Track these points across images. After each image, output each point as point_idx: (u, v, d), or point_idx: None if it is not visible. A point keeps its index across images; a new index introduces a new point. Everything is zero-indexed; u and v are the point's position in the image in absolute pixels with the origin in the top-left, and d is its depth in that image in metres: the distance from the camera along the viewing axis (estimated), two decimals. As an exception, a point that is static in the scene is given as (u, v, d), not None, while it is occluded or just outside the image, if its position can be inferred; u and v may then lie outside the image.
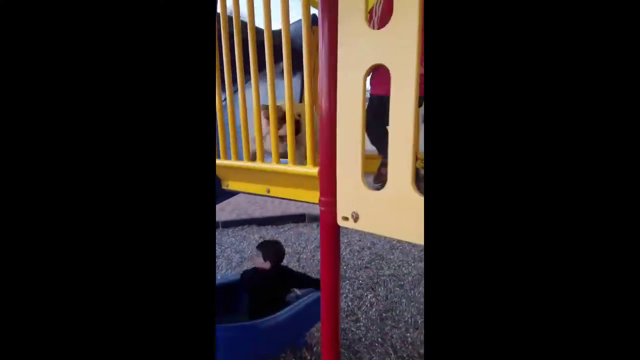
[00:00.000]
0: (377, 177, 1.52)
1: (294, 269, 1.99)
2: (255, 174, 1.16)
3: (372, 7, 1.19)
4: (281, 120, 1.07)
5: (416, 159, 0.69)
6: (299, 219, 4.23)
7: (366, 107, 1.26)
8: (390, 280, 2.70)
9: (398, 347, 1.90)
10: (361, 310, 2.27)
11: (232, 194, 1.48)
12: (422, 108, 0.60)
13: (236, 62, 1.09)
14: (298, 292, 1.77)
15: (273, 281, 1.69)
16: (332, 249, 0.87)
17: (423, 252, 3.18)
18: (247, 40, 1.03)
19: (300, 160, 1.13)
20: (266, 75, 0.99)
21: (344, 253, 3.24)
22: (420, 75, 0.61)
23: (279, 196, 1.14)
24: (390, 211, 0.71)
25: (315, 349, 1.86)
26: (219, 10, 1.11)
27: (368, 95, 1.24)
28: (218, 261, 3.06)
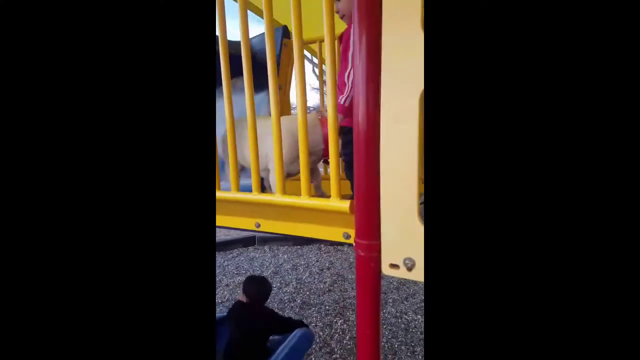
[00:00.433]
0: None
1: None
2: (242, 206, 0.97)
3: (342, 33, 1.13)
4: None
5: None
6: (248, 242, 3.95)
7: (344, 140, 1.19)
8: (349, 304, 2.59)
9: (381, 378, 1.79)
10: (334, 340, 2.12)
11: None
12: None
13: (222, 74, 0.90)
14: (277, 336, 1.56)
15: (252, 318, 1.50)
16: (374, 307, 0.71)
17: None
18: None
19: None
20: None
21: (303, 276, 3.07)
22: None
23: (275, 232, 0.96)
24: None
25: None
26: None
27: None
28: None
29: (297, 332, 1.50)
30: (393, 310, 2.46)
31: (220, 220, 1.01)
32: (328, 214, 0.80)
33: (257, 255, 3.60)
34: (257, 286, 1.59)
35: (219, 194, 0.96)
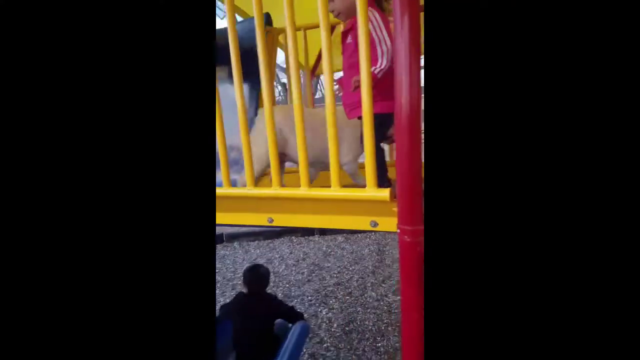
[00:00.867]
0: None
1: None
2: (254, 201, 0.92)
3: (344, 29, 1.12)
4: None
5: None
6: (216, 239, 3.80)
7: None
8: (337, 289, 2.62)
9: (374, 360, 1.84)
10: (322, 329, 2.13)
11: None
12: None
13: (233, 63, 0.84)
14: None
15: (253, 308, 1.49)
16: (421, 290, 0.70)
17: (354, 255, 3.23)
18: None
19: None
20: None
21: (280, 269, 3.04)
22: None
23: (292, 225, 0.92)
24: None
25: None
26: None
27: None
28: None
29: (296, 328, 1.48)
30: (373, 294, 2.53)
31: (230, 217, 0.95)
32: (354, 203, 0.79)
33: (228, 253, 3.49)
34: (254, 275, 1.57)
35: (231, 191, 0.91)
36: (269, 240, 3.73)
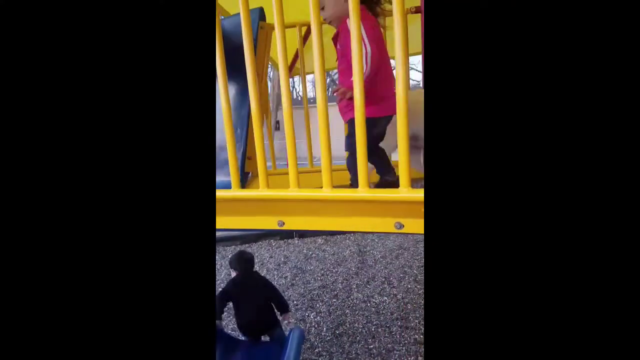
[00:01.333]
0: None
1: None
2: (264, 204, 0.87)
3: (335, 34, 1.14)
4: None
5: None
6: (191, 245, 3.65)
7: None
8: (323, 293, 2.59)
9: (368, 363, 1.82)
10: (312, 334, 2.09)
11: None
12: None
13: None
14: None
15: (250, 285, 1.67)
16: None
17: (335, 257, 3.22)
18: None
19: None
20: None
21: (261, 274, 2.95)
22: None
23: (304, 228, 0.88)
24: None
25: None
26: None
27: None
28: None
29: (294, 334, 1.43)
30: (360, 295, 2.52)
31: (238, 222, 0.89)
32: (378, 205, 0.76)
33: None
34: (242, 259, 1.74)
35: (241, 193, 0.85)
36: (247, 245, 3.63)
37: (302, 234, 3.71)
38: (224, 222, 0.93)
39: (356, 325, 2.15)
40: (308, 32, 1.70)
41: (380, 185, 1.16)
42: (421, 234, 0.62)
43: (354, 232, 3.63)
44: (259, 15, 1.33)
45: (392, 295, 2.51)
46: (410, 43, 1.56)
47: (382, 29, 1.17)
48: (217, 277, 2.85)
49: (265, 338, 1.66)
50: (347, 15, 0.67)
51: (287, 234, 3.70)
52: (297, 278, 2.85)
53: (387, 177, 1.17)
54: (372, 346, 1.94)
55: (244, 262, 1.74)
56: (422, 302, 2.40)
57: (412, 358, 1.83)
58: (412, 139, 0.76)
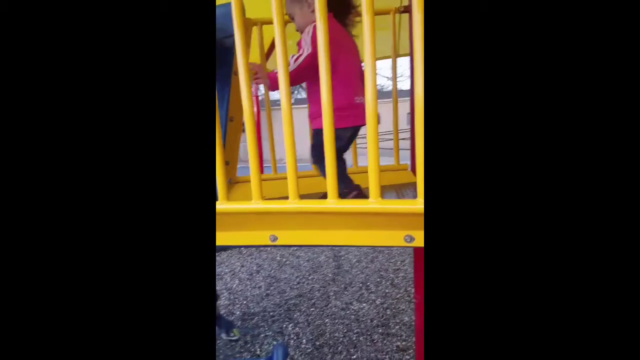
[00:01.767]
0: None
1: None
2: (254, 217, 0.77)
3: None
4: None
5: None
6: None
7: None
8: (300, 302, 2.49)
9: (352, 375, 1.75)
10: (292, 347, 1.99)
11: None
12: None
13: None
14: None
15: None
16: None
17: (311, 263, 3.14)
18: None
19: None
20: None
21: (233, 285, 2.81)
22: None
23: (298, 244, 0.79)
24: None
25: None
26: None
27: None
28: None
29: (278, 351, 1.33)
30: (338, 302, 2.45)
31: (227, 237, 0.79)
32: (386, 217, 0.69)
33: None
34: None
35: (232, 206, 0.75)
36: (216, 254, 3.45)
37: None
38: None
39: (337, 334, 2.08)
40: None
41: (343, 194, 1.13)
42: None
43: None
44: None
45: (370, 301, 2.46)
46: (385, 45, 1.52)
47: (351, 37, 1.17)
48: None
49: None
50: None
51: (259, 241, 3.57)
52: (272, 287, 2.74)
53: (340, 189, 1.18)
54: (354, 356, 1.88)
55: None
56: (401, 307, 2.38)
57: (397, 367, 1.79)
58: None
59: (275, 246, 0.83)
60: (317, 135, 1.16)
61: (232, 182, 1.31)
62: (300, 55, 1.03)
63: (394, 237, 0.70)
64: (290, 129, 0.70)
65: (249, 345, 2.00)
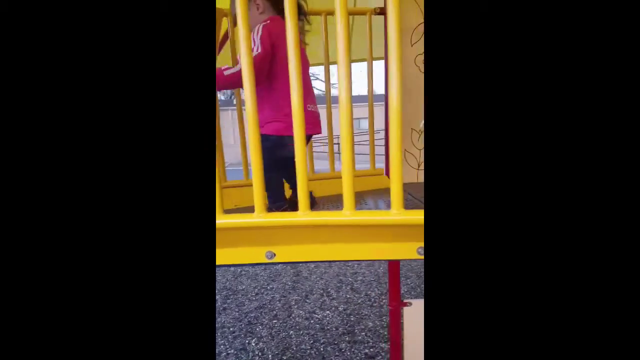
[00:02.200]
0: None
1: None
2: (250, 232, 0.68)
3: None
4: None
5: None
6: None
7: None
8: (261, 314, 2.37)
9: (323, 388, 1.69)
10: (256, 365, 1.87)
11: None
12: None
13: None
14: None
15: None
16: None
17: (268, 272, 3.02)
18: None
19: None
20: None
21: (185, 300, 2.58)
22: None
23: (301, 260, 0.72)
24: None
25: None
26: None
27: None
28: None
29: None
30: (301, 312, 2.38)
31: (221, 256, 0.68)
32: (398, 228, 0.65)
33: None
34: None
35: (233, 221, 0.65)
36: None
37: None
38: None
39: (303, 346, 2.00)
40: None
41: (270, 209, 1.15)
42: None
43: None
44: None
45: (333, 308, 2.42)
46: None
47: (302, 44, 1.20)
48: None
49: None
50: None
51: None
52: (229, 300, 2.57)
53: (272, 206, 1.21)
54: (324, 368, 1.82)
55: None
56: (364, 312, 2.37)
57: (368, 375, 1.76)
58: None
59: (273, 264, 0.74)
60: (266, 142, 1.12)
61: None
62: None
63: (406, 250, 0.66)
64: (256, 132, 0.64)
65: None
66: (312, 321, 2.27)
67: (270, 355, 1.93)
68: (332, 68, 1.43)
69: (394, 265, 1.41)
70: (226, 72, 0.99)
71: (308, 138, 1.17)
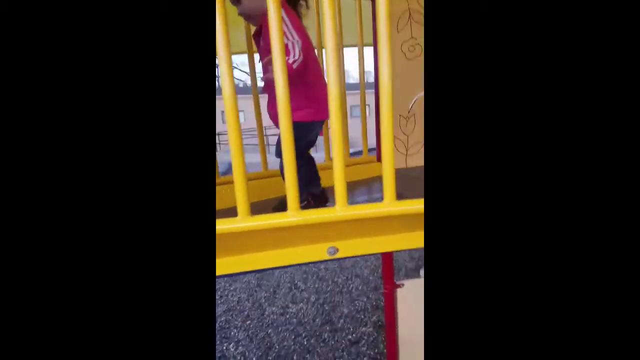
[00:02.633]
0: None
1: None
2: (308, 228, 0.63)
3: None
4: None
5: None
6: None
7: None
8: (232, 317, 2.25)
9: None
10: (241, 370, 1.77)
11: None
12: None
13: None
14: None
15: None
16: None
17: (230, 279, 2.87)
18: None
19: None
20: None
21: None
22: None
23: (366, 253, 0.68)
24: None
25: None
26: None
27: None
28: None
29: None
30: (274, 308, 2.31)
31: (272, 258, 0.61)
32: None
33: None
34: None
35: (280, 220, 0.58)
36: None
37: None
38: (242, 262, 0.64)
39: (285, 343, 1.95)
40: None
41: (304, 198, 1.08)
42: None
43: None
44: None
45: (305, 300, 2.40)
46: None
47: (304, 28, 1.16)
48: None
49: None
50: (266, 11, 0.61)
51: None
52: (192, 307, 2.39)
53: (311, 188, 1.12)
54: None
55: None
56: (336, 299, 2.40)
57: (357, 360, 1.79)
58: None
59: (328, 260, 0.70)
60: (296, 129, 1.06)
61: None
62: (294, 48, 0.94)
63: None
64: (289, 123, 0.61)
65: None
66: (287, 316, 2.22)
67: (254, 358, 1.85)
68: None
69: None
70: (295, 66, 0.93)
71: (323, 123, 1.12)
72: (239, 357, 1.86)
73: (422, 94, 1.42)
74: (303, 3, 1.10)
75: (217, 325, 2.16)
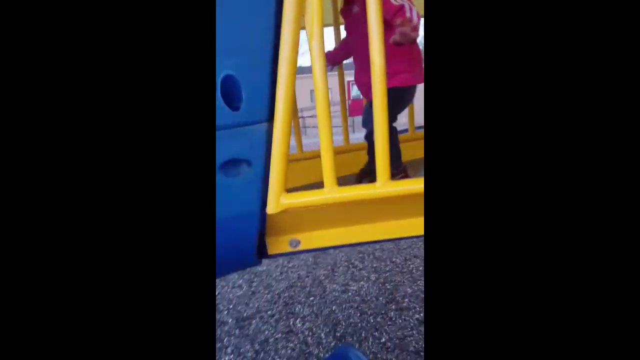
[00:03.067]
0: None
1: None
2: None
3: None
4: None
5: None
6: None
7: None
8: (295, 293, 2.27)
9: None
10: (312, 345, 1.79)
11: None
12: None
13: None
14: None
15: None
16: None
17: (287, 256, 2.90)
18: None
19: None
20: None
21: (207, 289, 2.42)
22: None
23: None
24: None
25: None
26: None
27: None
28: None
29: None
30: (335, 286, 2.30)
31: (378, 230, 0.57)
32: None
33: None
34: None
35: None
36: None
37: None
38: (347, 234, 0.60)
39: (352, 320, 1.94)
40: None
41: (401, 170, 1.03)
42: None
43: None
44: None
45: (365, 278, 2.37)
46: None
47: None
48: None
49: None
50: None
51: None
52: (254, 284, 2.44)
53: (395, 162, 1.07)
54: (383, 339, 1.77)
55: None
56: (397, 278, 2.35)
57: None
58: None
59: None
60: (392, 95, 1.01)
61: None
62: (410, 10, 0.89)
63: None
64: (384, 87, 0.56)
65: (262, 355, 1.73)
66: (349, 294, 2.21)
67: (322, 334, 1.85)
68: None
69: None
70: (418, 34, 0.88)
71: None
72: (307, 332, 1.87)
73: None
74: None
75: (281, 301, 2.20)
